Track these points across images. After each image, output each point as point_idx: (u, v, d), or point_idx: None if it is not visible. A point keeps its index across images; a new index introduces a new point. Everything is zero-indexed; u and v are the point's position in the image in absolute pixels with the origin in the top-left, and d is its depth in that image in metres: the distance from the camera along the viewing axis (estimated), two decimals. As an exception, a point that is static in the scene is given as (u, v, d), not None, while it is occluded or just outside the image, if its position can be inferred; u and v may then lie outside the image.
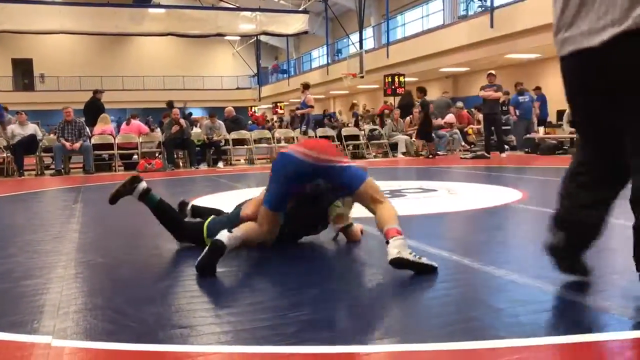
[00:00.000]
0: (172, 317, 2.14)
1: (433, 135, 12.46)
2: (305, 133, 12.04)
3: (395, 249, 2.57)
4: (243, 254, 3.18)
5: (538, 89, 14.07)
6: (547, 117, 14.31)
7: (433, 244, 3.19)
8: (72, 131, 10.71)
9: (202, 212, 3.77)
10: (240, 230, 2.88)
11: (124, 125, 12.18)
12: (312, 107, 12.49)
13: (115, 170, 11.28)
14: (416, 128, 13.35)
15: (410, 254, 2.58)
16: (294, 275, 2.79)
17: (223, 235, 2.72)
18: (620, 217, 3.19)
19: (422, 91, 12.98)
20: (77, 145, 10.53)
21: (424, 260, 2.61)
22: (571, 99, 2.27)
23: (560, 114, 13.86)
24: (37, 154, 11.04)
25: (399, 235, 2.62)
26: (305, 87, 12.57)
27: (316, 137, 13.09)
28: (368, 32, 25.42)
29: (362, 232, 3.52)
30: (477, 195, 5.81)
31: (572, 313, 2.06)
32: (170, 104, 13.47)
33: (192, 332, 1.97)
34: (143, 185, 3.37)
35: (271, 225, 3.03)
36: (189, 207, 3.87)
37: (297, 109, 12.98)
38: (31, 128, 10.97)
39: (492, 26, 15.36)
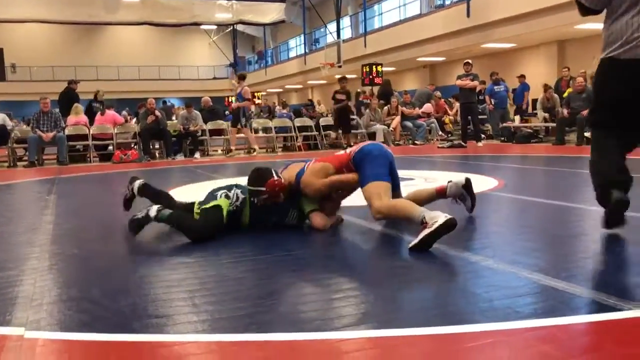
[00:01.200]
0: (148, 307, 2.12)
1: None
2: (246, 125, 11.62)
3: None
4: (218, 243, 3.17)
5: (522, 76, 14.15)
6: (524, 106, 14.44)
7: (410, 230, 3.21)
8: (48, 122, 10.53)
9: (153, 193, 3.76)
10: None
11: (98, 116, 11.99)
12: (249, 99, 11.58)
13: (90, 162, 11.13)
14: (392, 118, 13.41)
15: None
16: (270, 263, 2.79)
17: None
18: (592, 204, 3.26)
19: (345, 80, 12.97)
20: (51, 135, 10.35)
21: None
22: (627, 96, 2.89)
23: (535, 102, 14.02)
24: (9, 145, 10.83)
25: None
26: (241, 77, 11.78)
27: (294, 128, 13.07)
28: (345, 22, 25.37)
29: (341, 220, 3.57)
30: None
31: (545, 297, 2.09)
32: (96, 95, 13.28)
33: (168, 321, 1.95)
34: (154, 209, 3.31)
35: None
36: (138, 183, 3.81)
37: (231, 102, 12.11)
38: (-1, 118, 10.76)
39: (468, 16, 15.44)
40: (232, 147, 11.51)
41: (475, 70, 11.51)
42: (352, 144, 11.84)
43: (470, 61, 11.54)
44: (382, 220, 3.40)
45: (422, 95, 14.93)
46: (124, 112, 15.84)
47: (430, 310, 2.00)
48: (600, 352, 1.61)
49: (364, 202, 3.34)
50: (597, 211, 3.49)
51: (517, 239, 3.22)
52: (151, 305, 2.15)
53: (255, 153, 11.59)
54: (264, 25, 22.25)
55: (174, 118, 14.49)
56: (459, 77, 11.28)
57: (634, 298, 2.01)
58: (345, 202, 3.74)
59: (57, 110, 11.21)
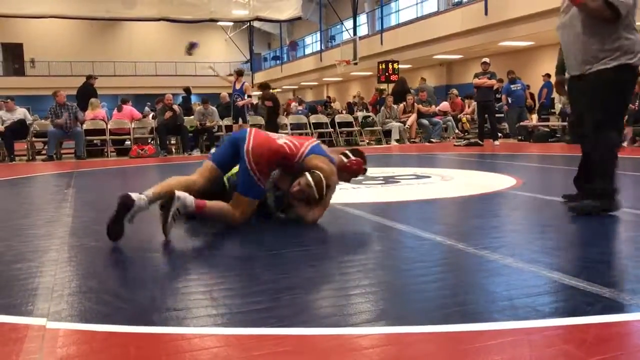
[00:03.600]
0: (167, 300, 2.14)
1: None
2: (246, 122, 11.59)
3: None
4: (236, 238, 3.18)
5: (547, 75, 13.97)
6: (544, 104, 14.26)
7: (427, 229, 3.20)
8: (66, 114, 10.63)
9: None
10: None
11: (115, 112, 12.08)
12: (250, 96, 11.26)
13: (107, 156, 11.22)
14: (408, 115, 13.35)
15: None
16: (288, 258, 2.79)
17: None
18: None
19: (266, 87, 12.93)
20: (69, 122, 10.51)
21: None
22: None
23: (552, 100, 13.88)
24: (28, 139, 10.96)
25: None
26: (239, 73, 11.49)
27: (310, 124, 13.08)
28: (362, 19, 25.30)
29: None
30: (470, 182, 5.82)
31: (565, 296, 2.07)
32: (187, 90, 13.32)
33: (187, 314, 1.96)
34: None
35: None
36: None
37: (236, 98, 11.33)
38: (20, 113, 10.88)
39: (486, 13, 15.33)
40: None
41: (492, 69, 11.40)
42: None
43: (488, 60, 11.44)
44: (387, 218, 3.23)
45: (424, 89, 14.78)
46: (147, 109, 15.90)
47: (448, 308, 1.99)
48: (622, 353, 1.59)
49: (377, 199, 3.33)
50: (618, 211, 3.45)
51: (536, 237, 3.20)
52: (170, 297, 2.17)
53: None
54: (280, 22, 22.21)
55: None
56: (477, 76, 11.19)
57: (657, 299, 1.98)
58: (360, 199, 3.73)
59: (75, 104, 11.29)
